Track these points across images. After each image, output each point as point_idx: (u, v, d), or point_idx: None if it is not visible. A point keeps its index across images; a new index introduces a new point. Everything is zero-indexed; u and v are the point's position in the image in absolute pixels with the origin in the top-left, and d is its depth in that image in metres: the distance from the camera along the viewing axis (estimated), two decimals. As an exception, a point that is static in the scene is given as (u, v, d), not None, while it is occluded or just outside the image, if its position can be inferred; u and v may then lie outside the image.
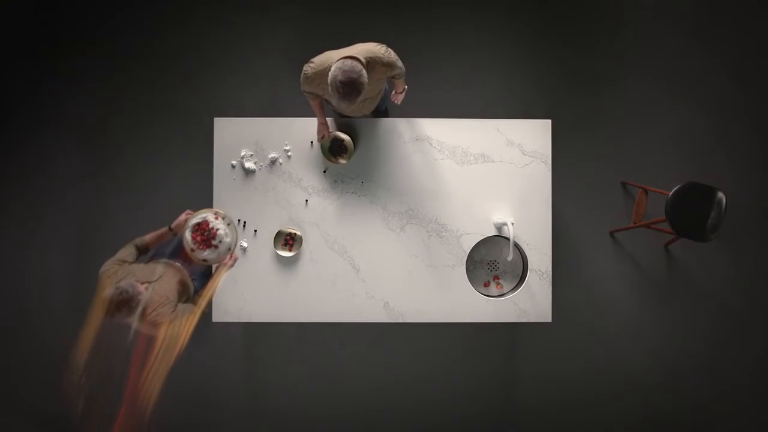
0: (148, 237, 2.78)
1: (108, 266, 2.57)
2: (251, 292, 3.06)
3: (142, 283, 2.47)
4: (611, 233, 3.92)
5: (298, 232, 3.05)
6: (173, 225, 2.79)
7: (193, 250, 2.74)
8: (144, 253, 2.79)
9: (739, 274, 3.90)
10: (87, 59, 3.94)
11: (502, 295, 3.14)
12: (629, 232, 3.92)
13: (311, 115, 3.86)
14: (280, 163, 3.09)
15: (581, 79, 3.98)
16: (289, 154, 3.08)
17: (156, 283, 2.57)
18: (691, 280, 3.91)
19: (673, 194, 3.27)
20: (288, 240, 3.04)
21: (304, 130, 3.09)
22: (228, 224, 2.79)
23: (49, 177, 3.91)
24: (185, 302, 2.72)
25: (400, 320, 3.08)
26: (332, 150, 3.08)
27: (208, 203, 3.61)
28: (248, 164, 3.07)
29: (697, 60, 3.98)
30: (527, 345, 3.88)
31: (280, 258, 3.07)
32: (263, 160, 3.08)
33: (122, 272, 2.54)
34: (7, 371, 3.87)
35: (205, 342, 3.86)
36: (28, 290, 3.88)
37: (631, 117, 3.96)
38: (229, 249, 2.79)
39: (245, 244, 3.05)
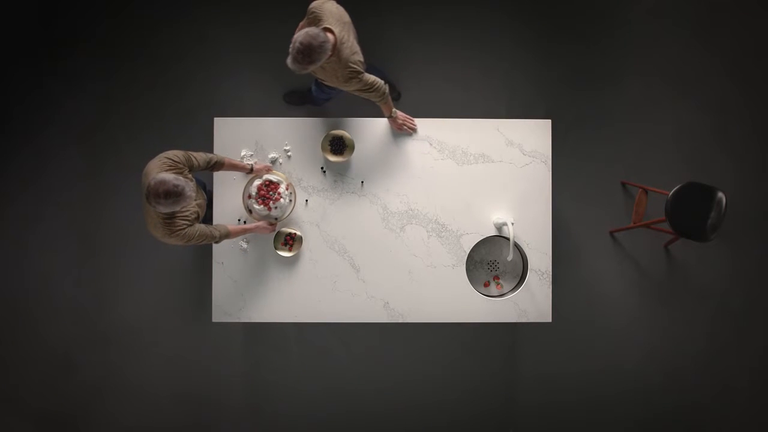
0: (227, 160, 2.78)
1: (178, 154, 2.51)
2: (251, 292, 3.06)
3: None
4: (611, 233, 3.92)
5: (298, 232, 3.05)
6: (256, 167, 2.92)
7: (250, 196, 2.94)
8: (211, 170, 2.75)
9: (739, 274, 3.90)
10: (87, 59, 3.94)
11: (502, 295, 3.14)
12: (629, 232, 3.92)
13: (311, 115, 3.87)
14: (280, 163, 3.09)
15: (581, 79, 3.97)
16: (289, 154, 3.08)
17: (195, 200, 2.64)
18: (691, 280, 3.91)
19: (673, 194, 3.26)
20: (288, 240, 3.04)
21: (304, 130, 3.09)
22: (290, 201, 2.96)
23: (49, 177, 3.90)
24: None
25: (400, 320, 3.08)
26: (332, 148, 3.07)
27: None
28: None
29: (697, 60, 3.98)
30: (527, 345, 3.88)
31: (280, 258, 3.07)
32: (263, 160, 3.08)
33: (183, 169, 2.51)
34: (7, 371, 3.87)
35: (205, 342, 3.86)
36: (28, 290, 3.88)
37: (631, 117, 3.96)
38: (276, 219, 2.96)
39: (245, 245, 3.05)
